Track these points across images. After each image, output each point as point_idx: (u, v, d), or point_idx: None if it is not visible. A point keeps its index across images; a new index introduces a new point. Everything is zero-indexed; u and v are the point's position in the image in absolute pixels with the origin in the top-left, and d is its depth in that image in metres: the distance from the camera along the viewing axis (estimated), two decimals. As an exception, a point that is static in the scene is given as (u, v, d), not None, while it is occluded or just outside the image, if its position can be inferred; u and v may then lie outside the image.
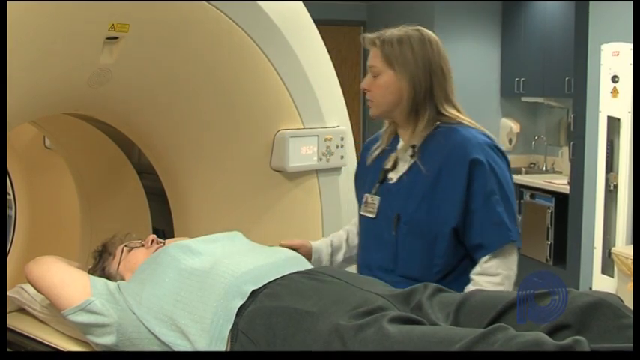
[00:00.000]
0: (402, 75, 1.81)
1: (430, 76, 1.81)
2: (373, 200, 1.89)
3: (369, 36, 1.87)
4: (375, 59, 1.84)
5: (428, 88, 1.81)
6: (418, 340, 1.32)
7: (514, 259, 1.80)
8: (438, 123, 1.84)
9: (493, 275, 1.76)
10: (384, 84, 1.83)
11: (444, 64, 1.84)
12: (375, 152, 1.96)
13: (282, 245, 1.98)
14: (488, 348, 1.24)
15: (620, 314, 1.33)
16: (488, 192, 1.75)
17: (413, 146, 1.84)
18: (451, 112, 1.84)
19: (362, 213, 1.93)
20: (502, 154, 1.82)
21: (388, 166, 1.88)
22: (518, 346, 1.22)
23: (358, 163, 2.08)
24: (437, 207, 1.77)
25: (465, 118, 1.86)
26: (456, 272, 1.81)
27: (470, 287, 1.76)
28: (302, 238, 2.09)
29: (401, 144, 1.90)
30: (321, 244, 2.08)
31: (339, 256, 2.09)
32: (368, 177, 1.95)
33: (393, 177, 1.87)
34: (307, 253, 2.01)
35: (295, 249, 1.97)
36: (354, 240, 2.09)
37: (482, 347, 1.25)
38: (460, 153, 1.76)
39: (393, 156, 1.89)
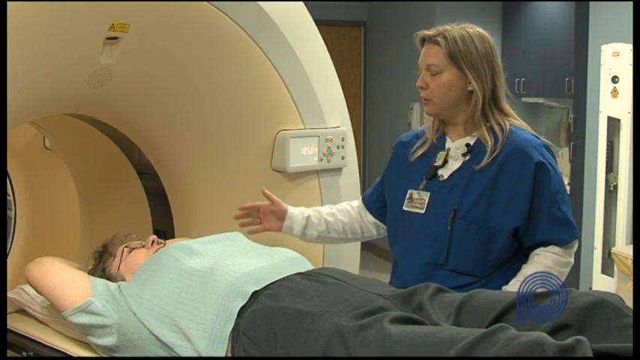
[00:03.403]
0: (467, 74, 1.81)
1: (493, 75, 1.83)
2: (421, 196, 1.87)
3: (427, 33, 1.84)
4: (435, 57, 1.82)
5: (492, 88, 1.83)
6: (419, 341, 1.32)
7: (574, 251, 1.86)
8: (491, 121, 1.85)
9: (558, 255, 1.82)
10: (447, 82, 1.81)
11: (499, 63, 1.86)
12: (420, 150, 1.93)
13: (263, 193, 2.04)
14: (490, 348, 1.24)
15: (621, 314, 1.33)
16: (553, 192, 1.79)
17: (467, 144, 1.85)
18: (506, 111, 1.86)
19: (406, 209, 1.90)
20: (553, 154, 1.86)
21: (439, 163, 1.88)
22: (519, 346, 1.22)
23: (392, 160, 2.03)
24: (498, 204, 1.79)
25: (516, 119, 1.88)
26: (507, 264, 1.82)
27: (532, 261, 1.81)
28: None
29: (449, 142, 1.89)
30: (296, 213, 2.06)
31: (313, 233, 2.06)
32: (409, 174, 1.93)
33: (444, 174, 1.86)
34: (281, 213, 2.04)
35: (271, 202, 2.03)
36: (339, 224, 2.07)
37: (483, 347, 1.25)
38: (522, 154, 1.79)
39: (442, 153, 1.88)
